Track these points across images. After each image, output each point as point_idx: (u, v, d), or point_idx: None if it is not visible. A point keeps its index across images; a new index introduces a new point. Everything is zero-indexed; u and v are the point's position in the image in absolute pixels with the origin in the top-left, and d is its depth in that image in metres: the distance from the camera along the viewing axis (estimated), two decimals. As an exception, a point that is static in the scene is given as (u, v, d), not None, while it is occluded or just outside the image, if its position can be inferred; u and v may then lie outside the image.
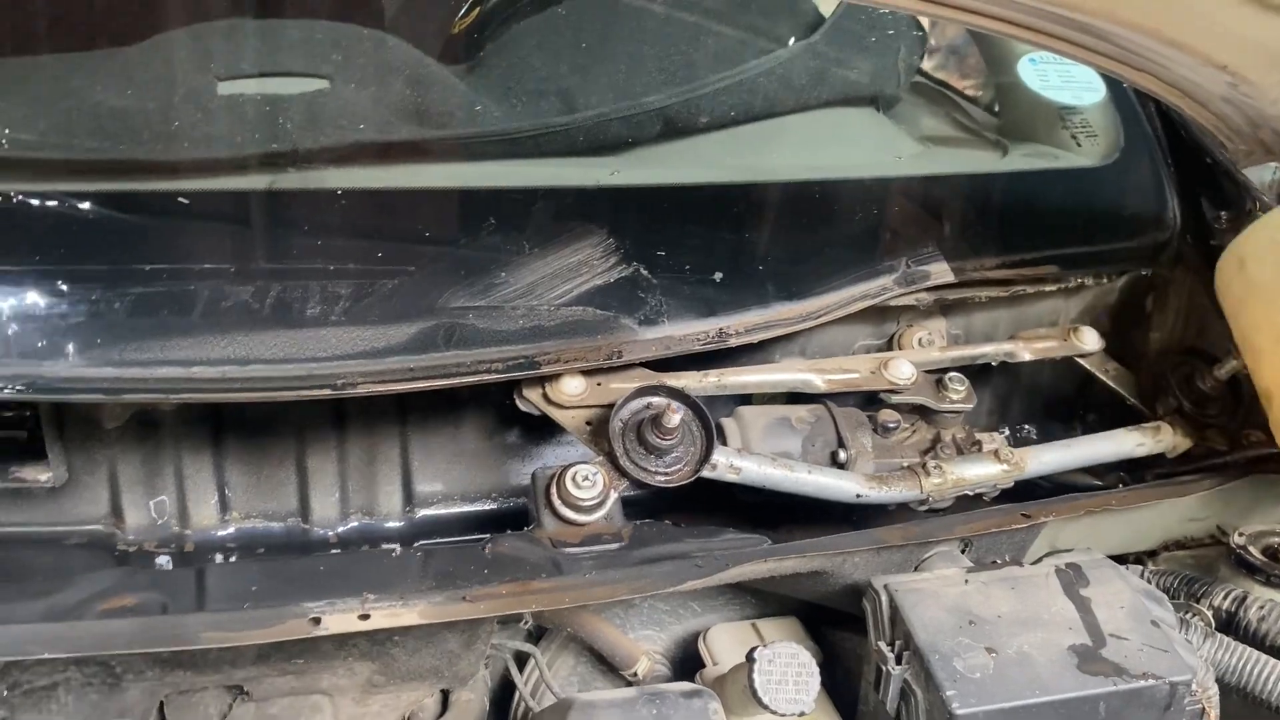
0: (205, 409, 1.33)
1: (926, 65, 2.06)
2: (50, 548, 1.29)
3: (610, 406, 1.24)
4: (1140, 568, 1.39)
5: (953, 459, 1.37)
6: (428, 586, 1.08)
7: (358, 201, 1.32)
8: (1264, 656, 1.19)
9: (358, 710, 1.14)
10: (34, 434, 1.26)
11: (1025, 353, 1.52)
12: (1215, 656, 1.20)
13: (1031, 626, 1.10)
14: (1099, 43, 1.15)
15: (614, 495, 1.22)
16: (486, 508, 1.45)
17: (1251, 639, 1.25)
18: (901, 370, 1.40)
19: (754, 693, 1.04)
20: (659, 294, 1.31)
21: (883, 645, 1.10)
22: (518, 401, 1.28)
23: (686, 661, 1.28)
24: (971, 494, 1.36)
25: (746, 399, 1.44)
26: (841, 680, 1.20)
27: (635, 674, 1.23)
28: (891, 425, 1.39)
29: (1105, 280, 1.62)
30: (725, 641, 1.25)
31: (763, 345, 1.39)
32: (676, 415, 1.19)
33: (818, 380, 1.38)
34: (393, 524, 1.41)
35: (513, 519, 1.41)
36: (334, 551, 1.36)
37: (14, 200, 1.19)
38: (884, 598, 1.12)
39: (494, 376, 1.22)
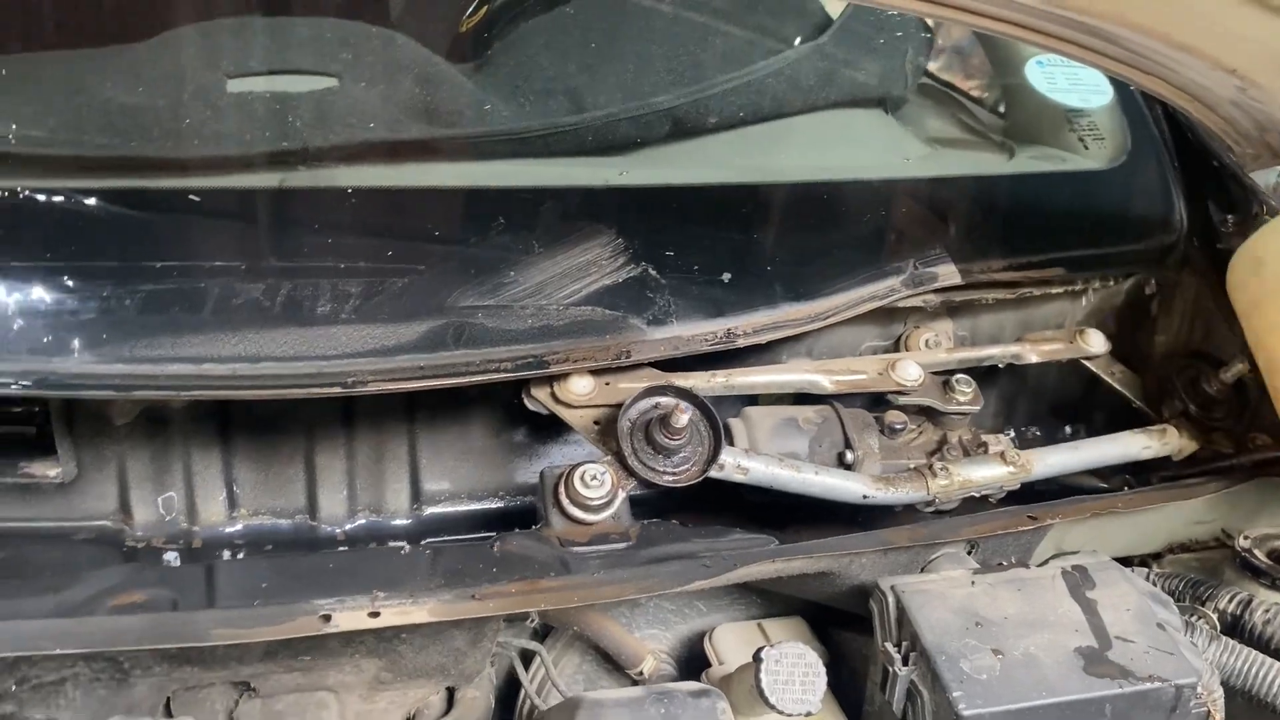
0: (213, 406, 1.33)
1: (931, 66, 2.06)
2: (59, 543, 1.29)
3: (618, 406, 1.24)
4: (1146, 570, 1.40)
5: (959, 460, 1.37)
6: (437, 584, 1.08)
7: (367, 200, 1.32)
8: (1269, 660, 1.20)
9: (364, 707, 1.14)
10: (43, 429, 1.26)
11: (1031, 355, 1.51)
12: (1220, 659, 1.21)
13: (1038, 628, 1.10)
14: (1107, 46, 1.14)
15: (622, 495, 1.22)
16: (494, 506, 1.45)
17: (1257, 642, 1.26)
18: (908, 371, 1.40)
19: (761, 693, 1.04)
20: (667, 294, 1.31)
21: (889, 646, 1.11)
22: (526, 400, 1.28)
23: (691, 661, 1.29)
24: (978, 496, 1.36)
25: (754, 399, 1.44)
26: (847, 681, 1.20)
27: (641, 673, 1.23)
28: (898, 426, 1.39)
29: (1111, 283, 1.62)
30: (731, 641, 1.26)
31: (770, 346, 1.39)
32: (684, 415, 1.19)
33: (825, 381, 1.39)
34: (400, 522, 1.41)
35: (520, 517, 1.40)
36: (342, 549, 1.36)
37: (24, 196, 1.20)
38: (891, 599, 1.13)
39: (503, 375, 1.22)
